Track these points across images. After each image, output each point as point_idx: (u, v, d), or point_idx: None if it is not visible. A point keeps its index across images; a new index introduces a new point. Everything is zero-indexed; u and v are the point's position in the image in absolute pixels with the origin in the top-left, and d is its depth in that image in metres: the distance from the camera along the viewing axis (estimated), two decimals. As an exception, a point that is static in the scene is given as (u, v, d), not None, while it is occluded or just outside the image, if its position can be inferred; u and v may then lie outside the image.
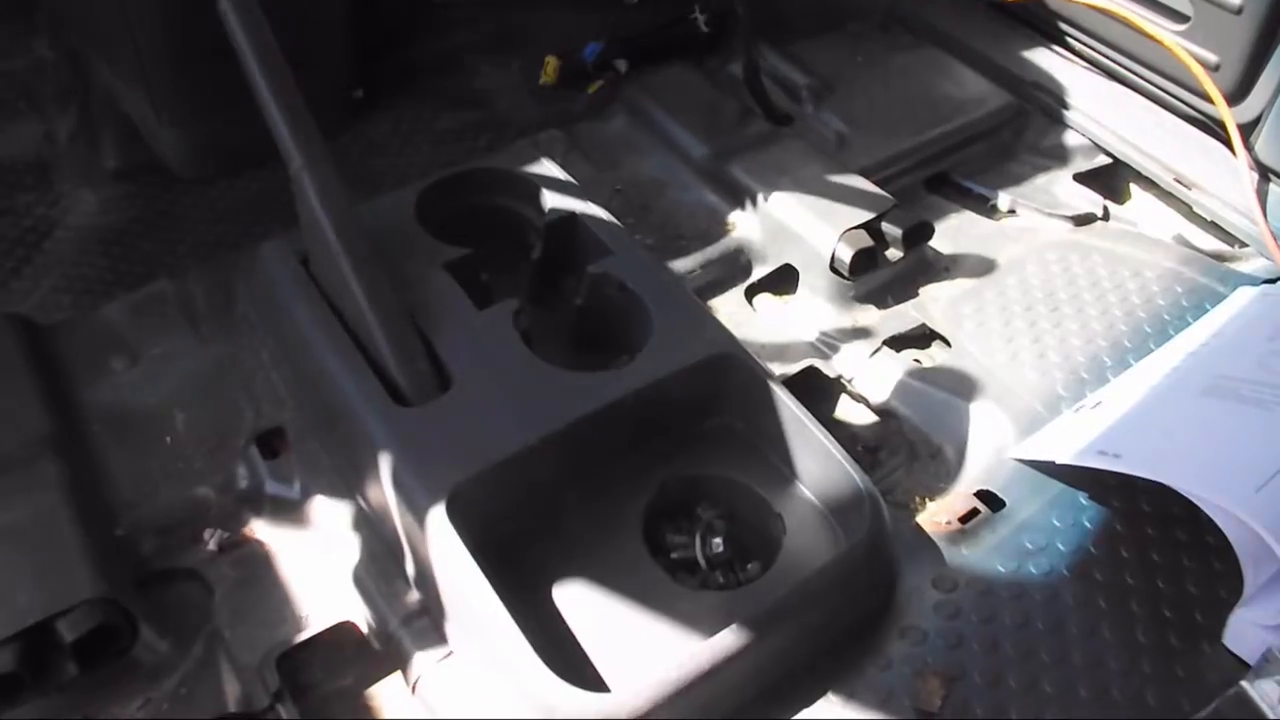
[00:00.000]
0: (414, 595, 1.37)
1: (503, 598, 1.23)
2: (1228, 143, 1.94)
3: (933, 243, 1.92)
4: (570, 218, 1.68)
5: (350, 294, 1.45)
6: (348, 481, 1.46)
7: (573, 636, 1.32)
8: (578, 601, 1.36)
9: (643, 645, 1.31)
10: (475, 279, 1.58)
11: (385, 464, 1.36)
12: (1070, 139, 2.15)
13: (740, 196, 1.98)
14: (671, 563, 1.42)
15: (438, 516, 1.29)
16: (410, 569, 1.37)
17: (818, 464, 1.44)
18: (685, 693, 1.21)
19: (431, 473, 1.34)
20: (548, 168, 1.75)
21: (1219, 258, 1.92)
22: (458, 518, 1.29)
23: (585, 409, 1.41)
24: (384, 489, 1.37)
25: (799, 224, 1.88)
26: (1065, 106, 2.15)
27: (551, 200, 1.71)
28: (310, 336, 1.50)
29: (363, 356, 1.46)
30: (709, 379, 1.36)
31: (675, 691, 1.20)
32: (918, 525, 1.49)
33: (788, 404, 1.46)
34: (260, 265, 1.61)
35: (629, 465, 1.46)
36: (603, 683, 1.24)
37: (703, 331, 1.53)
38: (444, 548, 1.28)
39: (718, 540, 1.42)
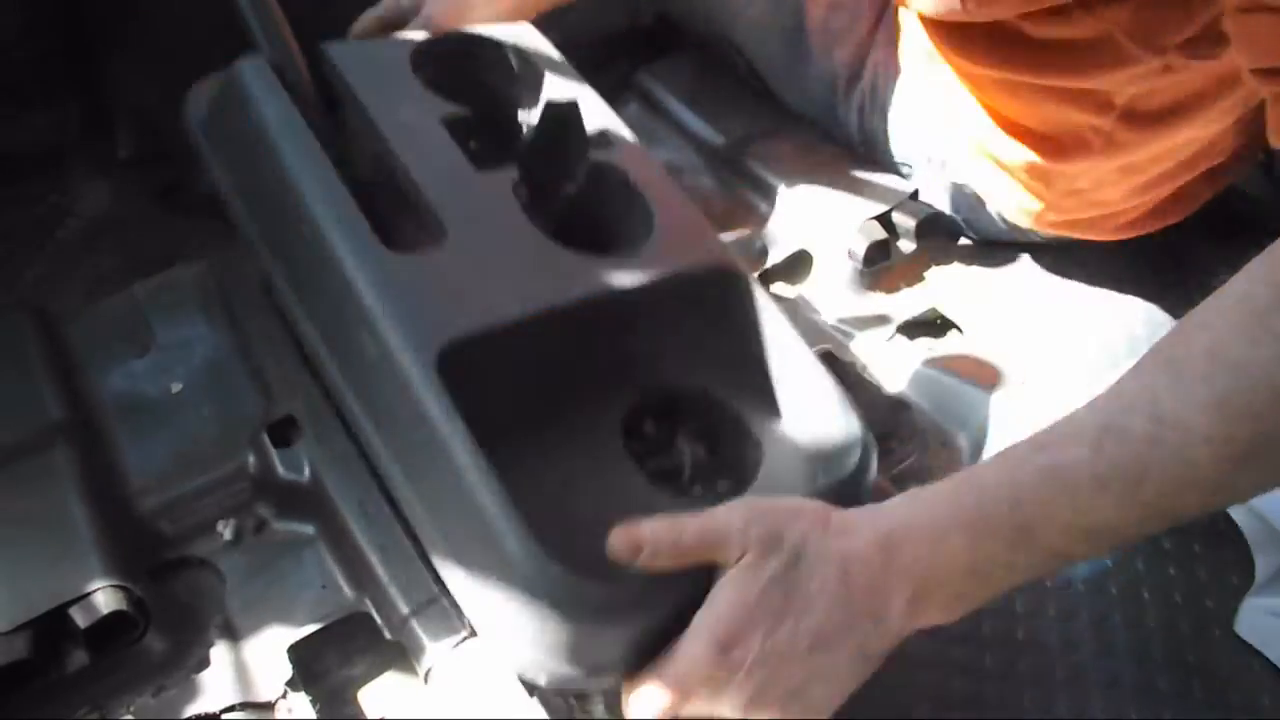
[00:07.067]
0: (427, 583, 1.36)
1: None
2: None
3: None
4: (571, 105, 1.50)
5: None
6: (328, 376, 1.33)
7: (555, 525, 1.17)
8: (554, 500, 1.24)
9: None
10: (466, 144, 1.46)
11: (369, 314, 1.22)
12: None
13: (755, 184, 1.98)
14: (650, 470, 1.33)
15: (426, 374, 1.16)
16: (394, 452, 1.25)
17: (807, 398, 1.36)
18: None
19: (422, 326, 1.20)
20: (549, 51, 1.64)
21: (1233, 244, 1.91)
22: (447, 381, 1.17)
23: (590, 290, 1.31)
24: (367, 347, 1.23)
25: (814, 212, 1.88)
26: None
27: (552, 85, 1.59)
28: (291, 166, 1.35)
29: (353, 199, 1.32)
30: (708, 289, 1.29)
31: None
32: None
33: (786, 330, 1.39)
34: (234, 87, 1.45)
35: (615, 363, 1.36)
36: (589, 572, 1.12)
37: (705, 240, 1.44)
38: (431, 410, 1.15)
39: (691, 449, 1.35)
